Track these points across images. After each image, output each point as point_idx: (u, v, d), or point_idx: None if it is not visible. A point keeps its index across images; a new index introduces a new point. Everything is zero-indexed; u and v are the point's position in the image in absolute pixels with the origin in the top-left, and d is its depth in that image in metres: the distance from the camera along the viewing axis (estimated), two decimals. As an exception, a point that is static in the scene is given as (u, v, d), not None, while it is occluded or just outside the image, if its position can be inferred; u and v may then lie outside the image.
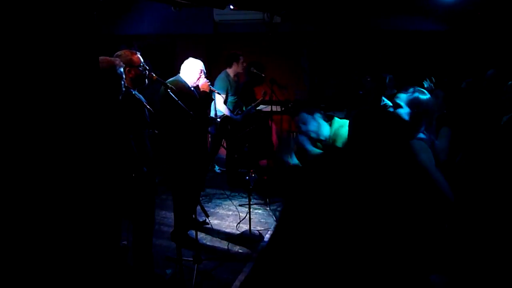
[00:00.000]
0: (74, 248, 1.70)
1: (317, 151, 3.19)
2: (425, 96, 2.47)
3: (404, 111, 2.44)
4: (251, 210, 4.39)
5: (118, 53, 2.96)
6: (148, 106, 2.95)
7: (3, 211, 1.40)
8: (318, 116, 3.17)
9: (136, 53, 3.02)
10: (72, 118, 1.56)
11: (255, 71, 5.56)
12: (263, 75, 5.53)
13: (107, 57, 2.63)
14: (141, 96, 2.94)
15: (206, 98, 3.89)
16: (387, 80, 4.04)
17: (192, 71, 3.88)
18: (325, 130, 3.20)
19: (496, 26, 4.64)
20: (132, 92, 2.90)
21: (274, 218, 4.68)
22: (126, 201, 3.02)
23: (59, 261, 1.62)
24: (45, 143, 1.48)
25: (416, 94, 2.44)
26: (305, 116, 3.20)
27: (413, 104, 2.43)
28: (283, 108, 5.95)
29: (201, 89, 3.87)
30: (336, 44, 5.69)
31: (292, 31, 5.80)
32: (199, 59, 3.98)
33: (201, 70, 3.91)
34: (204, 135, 4.22)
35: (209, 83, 3.96)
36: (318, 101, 5.81)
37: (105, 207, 2.75)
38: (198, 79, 3.90)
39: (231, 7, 4.61)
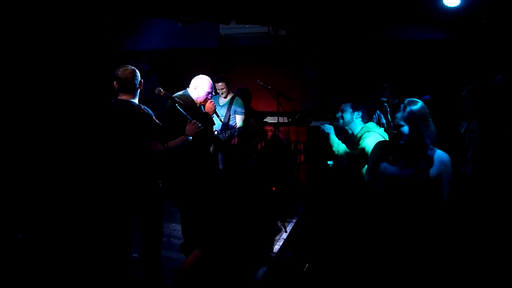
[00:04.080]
0: (85, 259, 1.74)
1: (337, 141, 3.59)
2: (416, 105, 2.48)
3: (405, 130, 2.47)
4: (259, 221, 4.40)
5: (124, 67, 3.04)
6: (156, 120, 3.00)
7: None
8: (358, 113, 3.52)
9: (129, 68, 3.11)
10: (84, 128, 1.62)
11: (261, 83, 5.63)
12: (269, 87, 5.59)
13: (126, 65, 3.08)
14: (149, 110, 3.00)
15: (207, 119, 3.82)
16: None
17: (199, 90, 3.84)
18: (357, 127, 3.53)
19: (500, 33, 4.65)
20: (141, 106, 2.96)
21: (283, 229, 4.68)
22: (138, 211, 3.08)
23: (71, 272, 1.66)
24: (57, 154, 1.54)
25: (408, 109, 2.46)
26: (346, 106, 3.55)
27: (409, 119, 2.45)
28: (289, 119, 5.99)
29: (205, 110, 3.84)
30: (341, 54, 5.73)
31: (298, 43, 5.86)
32: (206, 72, 3.98)
33: (209, 92, 3.86)
34: (209, 151, 4.20)
35: (215, 106, 3.91)
36: (324, 111, 5.84)
37: (120, 217, 2.80)
38: (204, 99, 3.86)
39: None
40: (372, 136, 3.35)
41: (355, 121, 3.55)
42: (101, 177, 2.05)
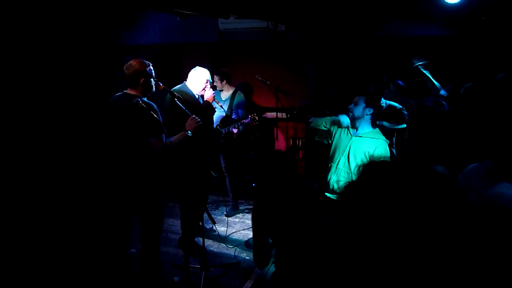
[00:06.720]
0: (83, 255, 1.73)
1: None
2: None
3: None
4: (257, 216, 4.40)
5: (132, 62, 2.99)
6: (154, 115, 2.96)
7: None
8: (369, 110, 3.23)
9: (149, 64, 3.07)
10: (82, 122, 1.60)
11: (260, 78, 5.61)
12: (268, 82, 5.57)
13: (138, 59, 3.00)
14: (154, 105, 2.97)
15: (207, 108, 3.86)
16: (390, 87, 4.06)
17: (198, 81, 3.88)
18: (364, 127, 3.25)
19: (500, 30, 4.64)
20: (139, 101, 2.93)
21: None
22: (138, 206, 3.07)
23: (68, 267, 1.65)
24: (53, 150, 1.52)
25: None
26: (360, 99, 3.23)
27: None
28: (288, 115, 5.97)
29: (205, 99, 3.87)
30: (340, 50, 5.71)
31: (297, 38, 5.84)
32: (205, 67, 4.00)
33: (207, 80, 3.91)
34: (210, 144, 4.20)
35: (214, 94, 3.96)
36: (323, 107, 5.83)
37: (118, 213, 2.79)
38: (203, 89, 3.90)
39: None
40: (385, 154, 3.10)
41: (364, 118, 3.23)
42: (99, 173, 2.03)
